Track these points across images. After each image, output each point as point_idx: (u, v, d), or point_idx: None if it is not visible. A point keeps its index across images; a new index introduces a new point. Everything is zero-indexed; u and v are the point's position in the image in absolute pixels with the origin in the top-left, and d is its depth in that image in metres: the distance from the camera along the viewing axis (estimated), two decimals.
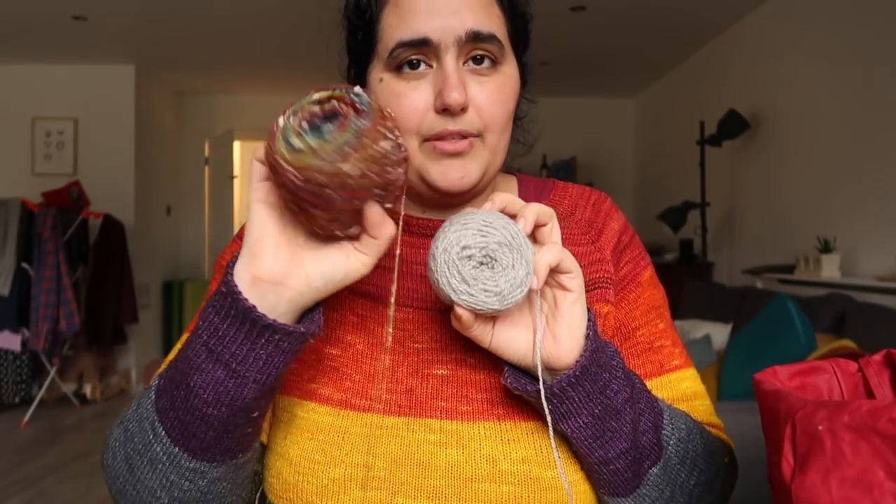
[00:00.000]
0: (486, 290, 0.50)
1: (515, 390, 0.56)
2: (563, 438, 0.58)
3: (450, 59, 0.58)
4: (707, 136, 3.90)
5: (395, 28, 0.59)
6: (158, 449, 0.53)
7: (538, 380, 0.54)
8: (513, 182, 0.74)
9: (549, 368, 0.54)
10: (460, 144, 0.59)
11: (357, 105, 0.47)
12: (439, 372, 0.61)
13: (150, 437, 0.54)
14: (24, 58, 4.83)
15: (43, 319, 4.01)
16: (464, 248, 0.50)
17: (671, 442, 0.60)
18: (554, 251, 0.51)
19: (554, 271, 0.52)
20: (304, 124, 0.46)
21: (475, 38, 0.58)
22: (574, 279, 0.53)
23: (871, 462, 0.41)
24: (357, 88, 0.48)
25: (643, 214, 5.55)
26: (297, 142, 0.45)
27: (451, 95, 0.57)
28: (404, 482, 0.57)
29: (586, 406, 0.54)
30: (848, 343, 2.03)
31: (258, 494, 0.64)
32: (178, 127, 5.95)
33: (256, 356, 0.49)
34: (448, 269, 0.50)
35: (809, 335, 2.18)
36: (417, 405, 0.60)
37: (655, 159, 5.61)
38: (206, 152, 6.06)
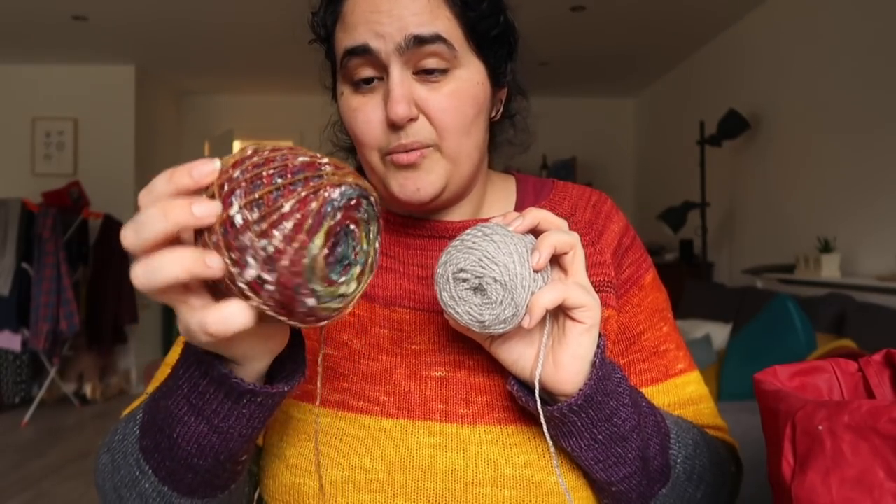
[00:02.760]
0: (469, 314, 0.51)
1: (519, 400, 0.56)
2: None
3: (395, 70, 0.57)
4: (707, 136, 3.89)
5: (343, 40, 0.59)
6: (147, 485, 0.51)
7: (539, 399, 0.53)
8: (511, 182, 0.73)
9: (548, 392, 0.54)
10: (412, 155, 0.58)
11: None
12: (438, 374, 0.61)
13: (137, 473, 0.52)
14: (24, 58, 4.83)
15: (43, 319, 4.01)
16: (460, 270, 0.50)
17: (678, 460, 0.60)
18: (555, 292, 0.50)
19: (562, 305, 0.51)
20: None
21: (418, 42, 0.56)
22: (586, 312, 0.51)
23: (871, 462, 0.41)
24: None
25: (643, 214, 5.55)
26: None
27: (394, 110, 0.56)
28: (403, 485, 0.56)
29: (588, 431, 0.53)
30: (848, 343, 2.02)
31: (256, 496, 0.63)
32: (178, 127, 5.95)
33: (239, 415, 0.46)
34: (442, 282, 0.51)
35: (809, 335, 2.17)
36: (416, 407, 0.59)
37: (655, 159, 5.60)
38: (206, 152, 6.05)
